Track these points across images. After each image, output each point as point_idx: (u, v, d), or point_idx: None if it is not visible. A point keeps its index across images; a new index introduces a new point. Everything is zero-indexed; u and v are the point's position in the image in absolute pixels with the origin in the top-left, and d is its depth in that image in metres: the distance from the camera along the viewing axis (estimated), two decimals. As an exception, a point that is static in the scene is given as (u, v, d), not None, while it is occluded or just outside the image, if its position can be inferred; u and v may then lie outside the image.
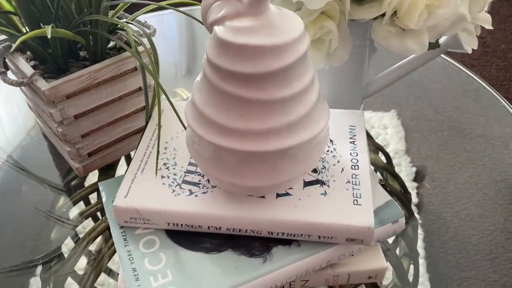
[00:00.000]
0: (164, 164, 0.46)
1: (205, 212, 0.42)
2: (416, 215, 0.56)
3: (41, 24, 0.52)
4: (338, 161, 0.46)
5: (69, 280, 0.49)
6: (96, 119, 0.54)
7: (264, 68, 0.35)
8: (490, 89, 0.75)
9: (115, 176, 0.55)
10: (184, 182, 0.45)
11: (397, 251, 0.52)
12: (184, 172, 0.46)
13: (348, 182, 0.44)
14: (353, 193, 0.43)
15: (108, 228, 0.51)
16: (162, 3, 0.55)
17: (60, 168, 0.62)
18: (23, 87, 0.58)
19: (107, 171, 0.60)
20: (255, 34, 0.35)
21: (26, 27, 0.53)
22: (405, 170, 0.62)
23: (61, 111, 0.50)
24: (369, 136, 0.66)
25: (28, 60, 0.54)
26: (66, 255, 0.52)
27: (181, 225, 0.43)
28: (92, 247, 0.52)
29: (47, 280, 0.50)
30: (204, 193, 0.43)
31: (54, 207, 0.57)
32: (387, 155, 0.63)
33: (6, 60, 0.55)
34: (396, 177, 0.60)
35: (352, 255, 0.44)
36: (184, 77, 0.81)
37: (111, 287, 0.49)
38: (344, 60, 0.49)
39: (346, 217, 0.41)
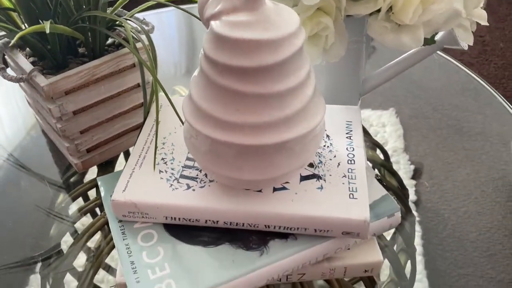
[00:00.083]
0: (162, 159, 0.47)
1: (202, 206, 0.42)
2: (414, 212, 0.56)
3: (40, 21, 0.52)
4: (335, 156, 0.47)
5: (69, 277, 0.50)
6: (94, 115, 0.54)
7: (260, 62, 0.36)
8: (489, 88, 0.75)
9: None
10: (182, 176, 0.45)
11: (395, 248, 0.52)
12: (182, 166, 0.46)
13: (344, 176, 0.44)
14: (349, 187, 0.43)
15: (106, 223, 0.51)
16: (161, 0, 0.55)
17: (59, 165, 0.62)
18: (22, 84, 0.58)
19: (106, 167, 0.60)
20: (251, 28, 0.36)
21: (25, 24, 0.53)
22: (403, 167, 0.62)
23: (60, 107, 0.51)
24: (366, 133, 0.67)
25: (27, 57, 0.54)
26: (65, 252, 0.52)
27: (179, 219, 0.43)
28: (91, 244, 0.52)
29: (46, 276, 0.50)
30: (201, 187, 0.44)
31: (54, 203, 0.57)
32: (384, 152, 0.64)
33: (6, 56, 0.56)
34: (394, 174, 0.60)
35: (348, 249, 0.45)
36: (183, 76, 0.81)
37: (110, 283, 0.50)
38: (340, 55, 0.49)
39: (342, 210, 0.41)
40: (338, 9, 0.46)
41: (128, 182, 0.44)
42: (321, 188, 0.43)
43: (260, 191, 0.43)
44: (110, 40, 0.57)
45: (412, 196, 0.58)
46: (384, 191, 0.46)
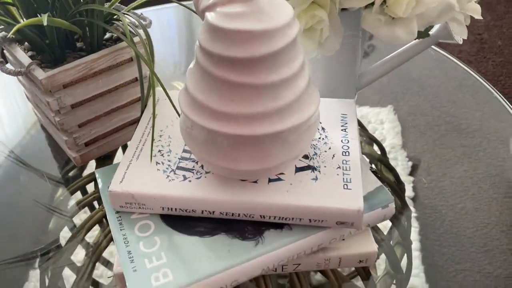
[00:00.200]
0: (159, 151, 0.47)
1: (199, 197, 0.43)
2: (411, 208, 0.56)
3: (38, 14, 0.53)
4: (330, 148, 0.47)
5: (68, 271, 0.50)
6: (92, 109, 0.55)
7: (254, 53, 0.36)
8: (487, 85, 0.75)
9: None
10: (178, 168, 0.45)
11: (391, 243, 0.52)
12: (179, 158, 0.46)
13: (339, 167, 0.45)
14: (343, 178, 0.44)
15: (104, 216, 0.52)
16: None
17: (58, 159, 0.63)
18: (21, 78, 0.59)
19: (104, 161, 0.60)
20: (245, 19, 0.36)
21: (24, 18, 0.54)
22: (401, 164, 0.62)
23: (58, 100, 0.51)
24: (363, 128, 0.67)
25: (26, 51, 0.55)
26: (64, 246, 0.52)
27: (175, 209, 0.43)
28: (90, 240, 0.52)
29: (45, 271, 0.50)
30: (197, 178, 0.44)
31: (53, 198, 0.58)
32: (381, 147, 0.64)
33: (4, 51, 0.56)
34: (391, 169, 0.60)
35: (343, 240, 0.45)
36: (182, 74, 0.81)
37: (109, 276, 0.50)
38: (335, 49, 0.50)
39: (336, 200, 0.42)
40: (333, 2, 0.47)
41: (125, 174, 0.45)
42: (316, 179, 0.44)
43: (255, 182, 0.43)
44: (108, 35, 0.57)
45: (409, 193, 0.58)
46: (378, 183, 0.47)
